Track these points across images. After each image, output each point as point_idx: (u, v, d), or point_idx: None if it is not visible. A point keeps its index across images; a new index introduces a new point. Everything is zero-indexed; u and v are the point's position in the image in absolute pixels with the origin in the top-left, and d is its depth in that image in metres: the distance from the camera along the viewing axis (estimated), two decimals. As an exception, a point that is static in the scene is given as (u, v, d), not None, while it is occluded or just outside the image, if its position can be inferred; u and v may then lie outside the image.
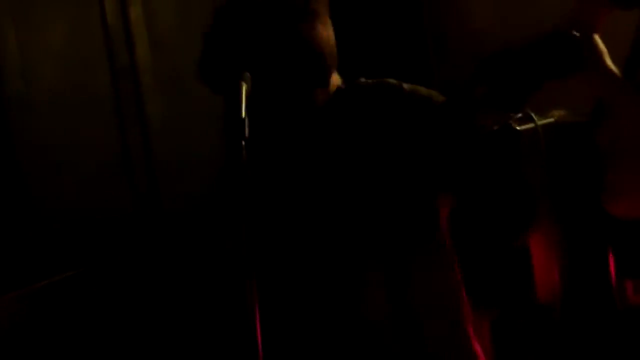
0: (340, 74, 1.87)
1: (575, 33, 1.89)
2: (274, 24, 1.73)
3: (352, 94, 1.84)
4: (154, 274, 3.11)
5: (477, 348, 1.91)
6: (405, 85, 1.84)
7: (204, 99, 3.39)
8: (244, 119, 1.48)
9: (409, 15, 3.52)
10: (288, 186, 1.86)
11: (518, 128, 2.58)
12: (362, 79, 1.87)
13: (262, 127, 1.71)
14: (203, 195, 2.62)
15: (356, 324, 1.84)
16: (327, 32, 1.79)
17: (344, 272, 1.82)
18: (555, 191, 2.64)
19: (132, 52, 3.24)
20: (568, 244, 2.78)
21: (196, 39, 3.40)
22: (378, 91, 1.83)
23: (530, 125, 2.63)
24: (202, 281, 3.00)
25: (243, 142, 1.46)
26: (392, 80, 1.85)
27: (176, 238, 3.17)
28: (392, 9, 3.51)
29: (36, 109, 3.01)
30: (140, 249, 3.13)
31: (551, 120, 2.72)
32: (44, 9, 3.05)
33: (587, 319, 2.78)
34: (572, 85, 2.11)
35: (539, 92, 2.07)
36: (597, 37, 2.22)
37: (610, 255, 2.72)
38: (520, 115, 2.59)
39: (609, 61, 2.13)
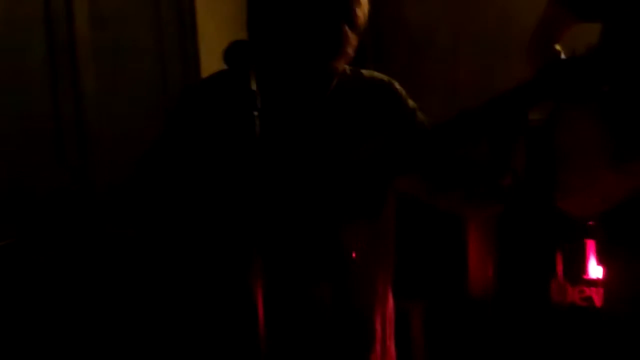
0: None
1: None
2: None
3: (354, 84, 1.91)
4: (83, 247, 3.06)
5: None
6: (403, 93, 1.96)
7: (140, 75, 3.40)
8: (254, 92, 1.51)
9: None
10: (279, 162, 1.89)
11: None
12: (364, 71, 1.95)
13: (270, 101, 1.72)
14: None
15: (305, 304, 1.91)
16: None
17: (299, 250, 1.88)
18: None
19: (71, 24, 3.17)
20: (504, 241, 2.89)
21: (136, 15, 3.38)
22: (376, 88, 1.93)
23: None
24: (134, 256, 2.96)
25: (256, 113, 1.48)
26: (390, 81, 1.96)
27: (107, 213, 3.12)
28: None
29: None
30: (69, 223, 3.07)
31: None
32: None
33: (519, 315, 2.90)
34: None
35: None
36: (558, 46, 2.34)
37: (559, 255, 2.85)
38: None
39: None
